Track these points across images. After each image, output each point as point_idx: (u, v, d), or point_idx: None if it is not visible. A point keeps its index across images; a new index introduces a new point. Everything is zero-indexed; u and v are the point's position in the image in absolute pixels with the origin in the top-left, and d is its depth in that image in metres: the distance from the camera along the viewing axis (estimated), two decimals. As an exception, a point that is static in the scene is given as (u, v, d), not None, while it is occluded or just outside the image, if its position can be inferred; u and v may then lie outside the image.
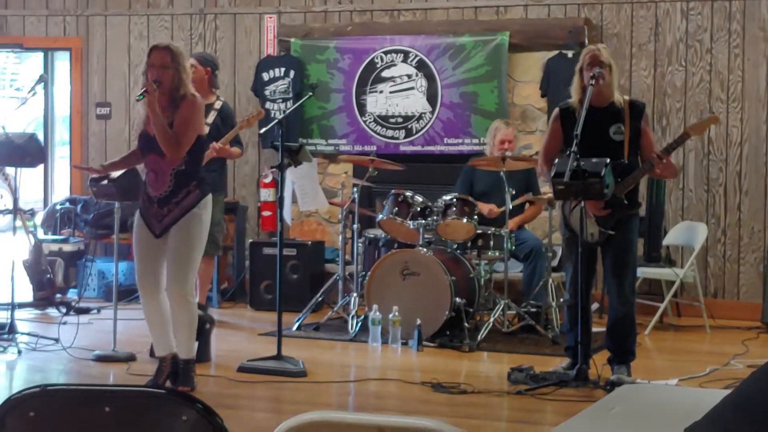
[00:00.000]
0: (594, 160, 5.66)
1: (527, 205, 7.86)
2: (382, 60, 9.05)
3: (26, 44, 10.27)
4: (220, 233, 7.76)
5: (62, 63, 10.36)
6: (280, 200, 6.44)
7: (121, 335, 6.73)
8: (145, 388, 1.94)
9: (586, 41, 8.27)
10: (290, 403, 5.72)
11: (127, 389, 1.90)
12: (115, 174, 6.22)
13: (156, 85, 5.56)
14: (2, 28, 10.19)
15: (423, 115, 8.94)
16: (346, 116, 9.15)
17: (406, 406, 5.56)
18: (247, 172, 9.53)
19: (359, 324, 7.40)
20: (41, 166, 8.41)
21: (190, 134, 5.63)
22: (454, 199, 7.37)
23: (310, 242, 8.79)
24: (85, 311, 8.07)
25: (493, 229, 7.38)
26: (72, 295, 8.77)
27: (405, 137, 9.00)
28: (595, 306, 7.65)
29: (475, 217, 7.33)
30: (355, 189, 7.77)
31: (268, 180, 9.05)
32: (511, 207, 7.34)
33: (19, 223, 7.55)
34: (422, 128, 8.94)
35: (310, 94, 7.75)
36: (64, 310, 8.05)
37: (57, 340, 6.81)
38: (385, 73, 9.05)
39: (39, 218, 9.38)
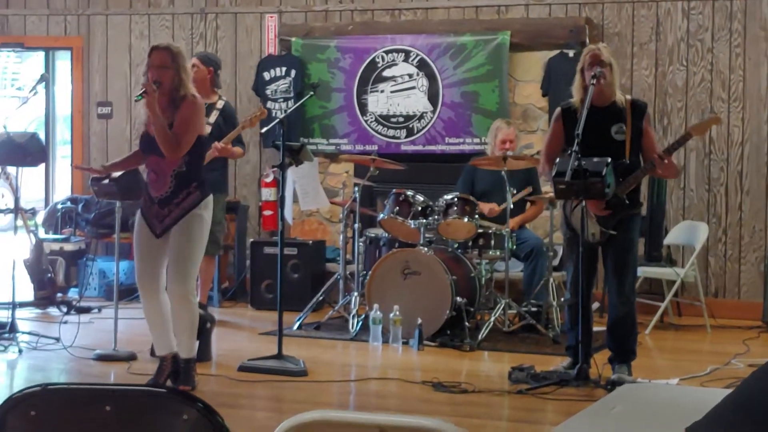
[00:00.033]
0: (595, 159, 5.66)
1: (528, 204, 7.86)
2: (383, 59, 9.04)
3: (27, 43, 10.27)
4: (221, 233, 7.76)
5: (63, 62, 10.37)
6: (281, 199, 6.44)
7: (121, 334, 6.73)
8: (146, 387, 1.94)
9: (587, 41, 8.26)
10: (291, 402, 5.72)
11: (128, 388, 1.90)
12: (116, 173, 6.23)
13: (156, 85, 5.56)
14: (3, 28, 10.19)
15: (424, 114, 8.94)
16: (347, 115, 9.15)
17: (406, 405, 5.56)
18: (249, 172, 9.53)
19: (360, 323, 7.40)
20: (42, 166, 8.42)
21: (189, 135, 5.62)
22: (455, 199, 7.37)
23: (311, 241, 8.79)
24: (86, 310, 8.07)
25: (494, 228, 7.38)
26: (73, 294, 8.78)
27: (406, 137, 8.99)
28: (595, 305, 7.65)
29: (476, 216, 7.32)
30: (356, 188, 7.78)
31: (269, 179, 9.05)
32: (512, 206, 7.34)
33: (20, 222, 7.56)
34: (423, 128, 8.93)
35: (311, 93, 7.74)
36: (65, 309, 8.05)
37: (58, 340, 6.81)
38: (386, 73, 9.05)
39: (40, 217, 9.38)
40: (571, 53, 8.33)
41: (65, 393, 1.91)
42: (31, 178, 8.46)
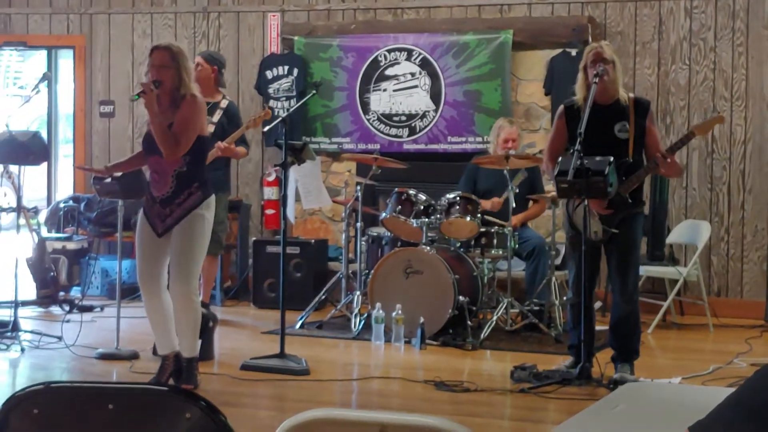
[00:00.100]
0: (598, 158, 5.65)
1: (530, 202, 7.86)
2: (385, 58, 9.04)
3: (30, 42, 10.28)
4: (224, 232, 7.76)
5: (66, 61, 10.37)
6: (284, 198, 6.44)
7: (124, 333, 6.73)
8: (149, 386, 1.93)
9: (590, 39, 8.26)
10: (293, 401, 5.72)
11: (131, 387, 1.90)
12: (118, 172, 6.23)
13: (156, 85, 5.57)
14: (6, 26, 10.20)
15: (426, 113, 8.94)
16: (349, 114, 9.15)
17: (409, 404, 5.56)
18: (251, 171, 9.54)
19: (362, 322, 7.41)
20: (45, 164, 8.43)
21: (189, 135, 5.61)
22: (458, 198, 7.37)
23: (313, 240, 8.79)
24: (89, 309, 8.07)
25: (496, 226, 7.38)
26: (75, 293, 8.77)
27: (408, 135, 8.99)
28: (597, 304, 7.65)
29: (479, 215, 7.32)
30: (359, 187, 7.77)
31: (271, 178, 9.06)
32: (514, 205, 7.34)
33: (22, 221, 7.56)
34: (426, 126, 8.93)
35: (314, 92, 7.74)
36: (67, 308, 8.06)
37: (60, 338, 6.82)
38: (389, 72, 9.05)
39: (42, 216, 9.39)
40: (573, 52, 8.33)
41: (68, 391, 1.91)
42: (33, 176, 8.48)
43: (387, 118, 9.04)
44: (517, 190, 7.38)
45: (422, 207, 7.44)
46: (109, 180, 6.31)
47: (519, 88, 8.81)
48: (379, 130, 9.05)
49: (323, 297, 7.97)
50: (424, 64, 8.93)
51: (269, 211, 9.09)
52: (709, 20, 8.44)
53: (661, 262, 8.04)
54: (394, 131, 9.03)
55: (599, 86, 5.82)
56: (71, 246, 8.94)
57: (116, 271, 7.06)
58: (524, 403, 5.61)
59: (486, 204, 7.53)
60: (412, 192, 7.51)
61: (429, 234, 7.40)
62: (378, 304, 7.13)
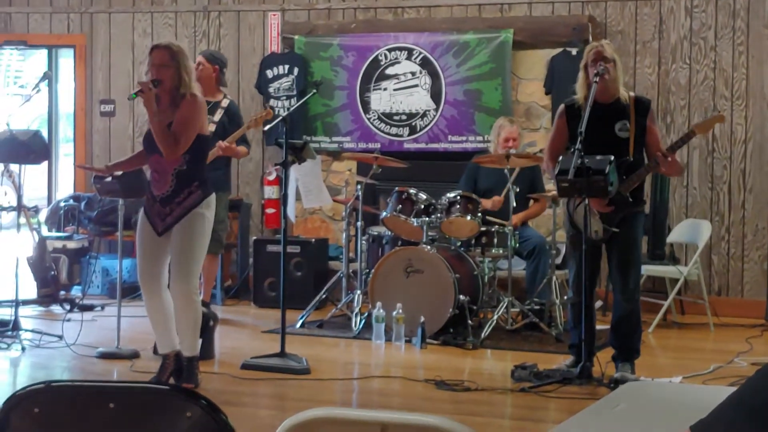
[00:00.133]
0: (598, 157, 5.65)
1: (531, 201, 7.86)
2: (386, 57, 9.04)
3: (30, 41, 10.28)
4: (224, 231, 7.76)
5: (66, 60, 10.37)
6: (284, 197, 6.44)
7: (124, 332, 6.73)
8: (150, 385, 1.93)
9: (590, 38, 8.26)
10: (294, 400, 5.72)
11: (132, 386, 1.90)
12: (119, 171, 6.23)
13: (155, 84, 5.57)
14: (6, 26, 10.20)
15: (427, 112, 8.94)
16: (350, 113, 9.15)
17: (409, 403, 5.56)
18: (251, 170, 9.54)
19: (363, 321, 7.40)
20: (45, 163, 8.43)
21: (188, 134, 5.61)
22: (458, 197, 7.37)
23: (313, 239, 8.79)
24: (89, 308, 8.07)
25: (497, 226, 7.38)
26: (76, 292, 8.77)
27: (409, 134, 8.99)
28: (598, 303, 7.65)
29: (479, 214, 7.32)
30: (359, 186, 7.77)
31: (272, 177, 9.06)
32: (515, 204, 7.34)
33: (23, 220, 7.56)
34: (426, 125, 8.93)
35: (314, 91, 7.75)
36: (67, 307, 8.06)
37: (61, 337, 6.82)
38: (389, 71, 9.05)
39: (43, 215, 9.38)
40: (574, 51, 8.32)
41: (69, 390, 1.91)
42: (34, 175, 8.48)
43: (387, 117, 9.04)
44: (517, 189, 7.38)
45: (423, 206, 7.44)
46: (109, 179, 6.31)
47: (519, 88, 8.81)
48: (379, 129, 9.05)
49: (324, 296, 7.97)
50: (425, 64, 8.93)
51: (270, 210, 9.09)
52: (710, 19, 8.43)
53: (661, 262, 8.04)
54: (394, 130, 9.03)
55: (600, 85, 5.82)
56: (72, 245, 8.94)
57: (117, 270, 7.06)
58: (525, 402, 5.61)
59: (486, 203, 7.53)
60: (412, 191, 7.51)
61: (429, 233, 7.40)
62: (378, 304, 7.13)
